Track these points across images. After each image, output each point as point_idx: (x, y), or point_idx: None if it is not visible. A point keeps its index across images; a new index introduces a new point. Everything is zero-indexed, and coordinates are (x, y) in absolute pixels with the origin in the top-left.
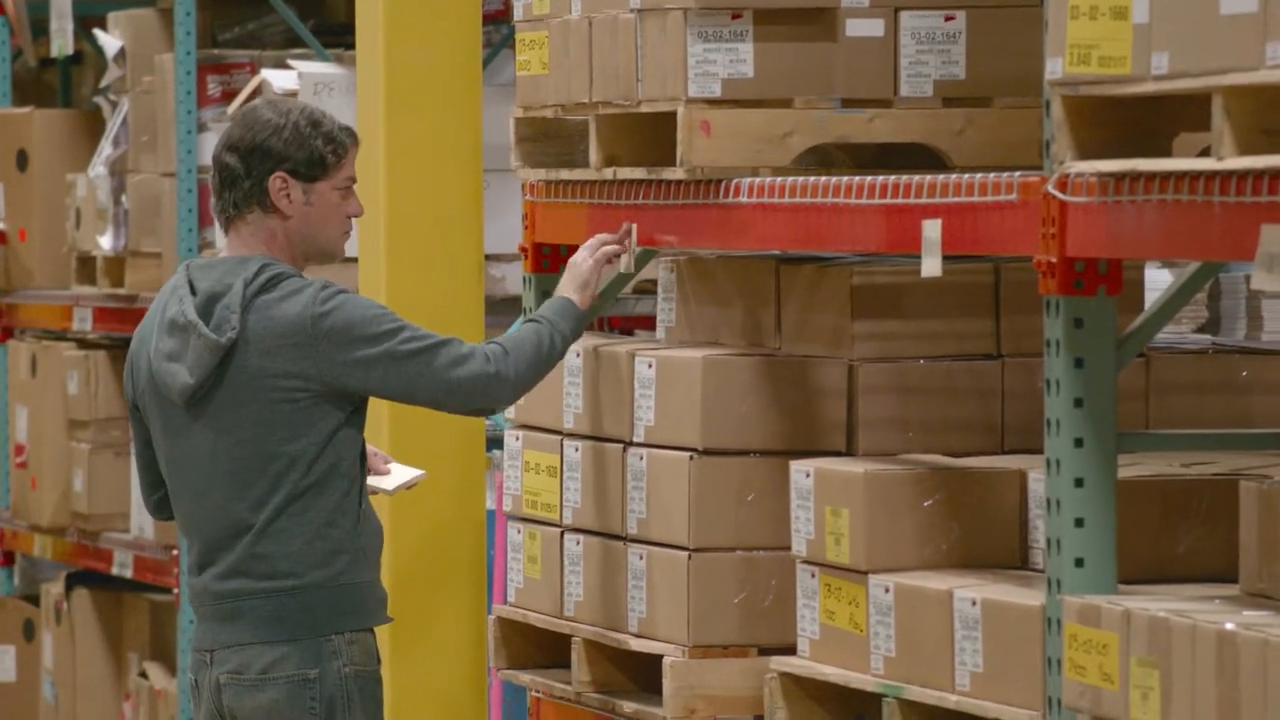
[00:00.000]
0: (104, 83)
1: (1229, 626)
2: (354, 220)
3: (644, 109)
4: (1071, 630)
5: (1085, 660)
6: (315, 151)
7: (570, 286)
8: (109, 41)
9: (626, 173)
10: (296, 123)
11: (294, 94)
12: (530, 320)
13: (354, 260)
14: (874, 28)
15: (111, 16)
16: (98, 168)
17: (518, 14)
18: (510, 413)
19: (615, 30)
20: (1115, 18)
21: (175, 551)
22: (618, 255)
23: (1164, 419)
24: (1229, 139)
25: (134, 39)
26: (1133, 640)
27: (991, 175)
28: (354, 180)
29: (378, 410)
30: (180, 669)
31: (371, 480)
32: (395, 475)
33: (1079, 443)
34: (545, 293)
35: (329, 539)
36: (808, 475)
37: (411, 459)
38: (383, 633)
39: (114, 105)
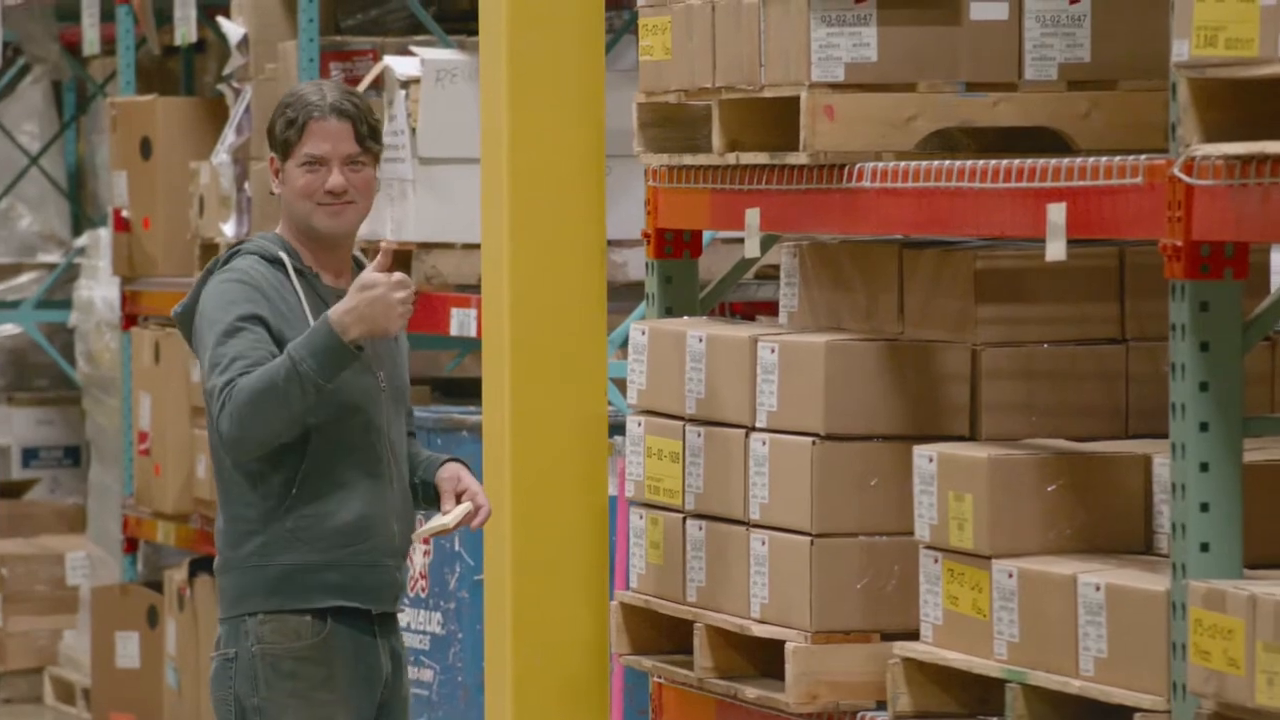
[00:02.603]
0: (227, 70)
1: None
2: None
3: (767, 94)
4: (1196, 615)
5: (1210, 645)
6: (279, 132)
7: (348, 314)
8: (232, 29)
9: (749, 158)
10: (280, 103)
11: (416, 81)
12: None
13: (476, 246)
14: (998, 10)
15: (235, 3)
16: (221, 155)
17: None
18: (632, 398)
19: (738, 15)
20: (1237, 4)
21: None
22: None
23: None
24: None
25: (257, 26)
26: (1259, 625)
27: (1117, 159)
28: (319, 157)
29: (497, 396)
30: None
31: (436, 519)
32: (457, 512)
33: (1204, 427)
34: (668, 278)
35: (244, 520)
36: (931, 460)
37: (533, 444)
38: (504, 619)
39: (237, 93)
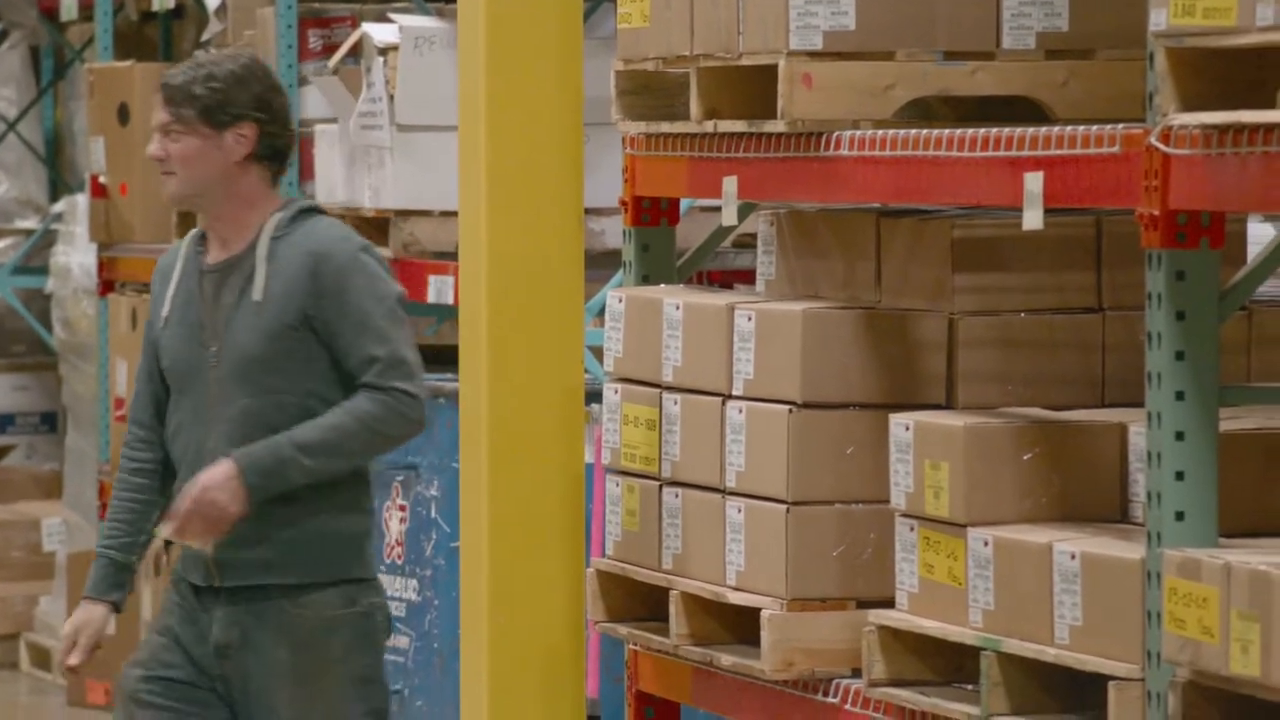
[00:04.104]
0: (205, 36)
1: None
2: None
3: (745, 61)
4: (1171, 584)
5: (1185, 614)
6: None
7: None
8: None
9: (727, 125)
10: None
11: (394, 48)
12: None
13: (454, 214)
14: None
15: None
16: None
17: None
18: (609, 366)
19: None
20: None
21: None
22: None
23: (1266, 372)
24: None
25: None
26: (1233, 593)
27: (1094, 128)
28: (158, 125)
29: (474, 364)
30: None
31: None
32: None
33: (1180, 396)
34: (645, 246)
35: None
36: (907, 428)
37: (509, 412)
38: (480, 586)
39: None
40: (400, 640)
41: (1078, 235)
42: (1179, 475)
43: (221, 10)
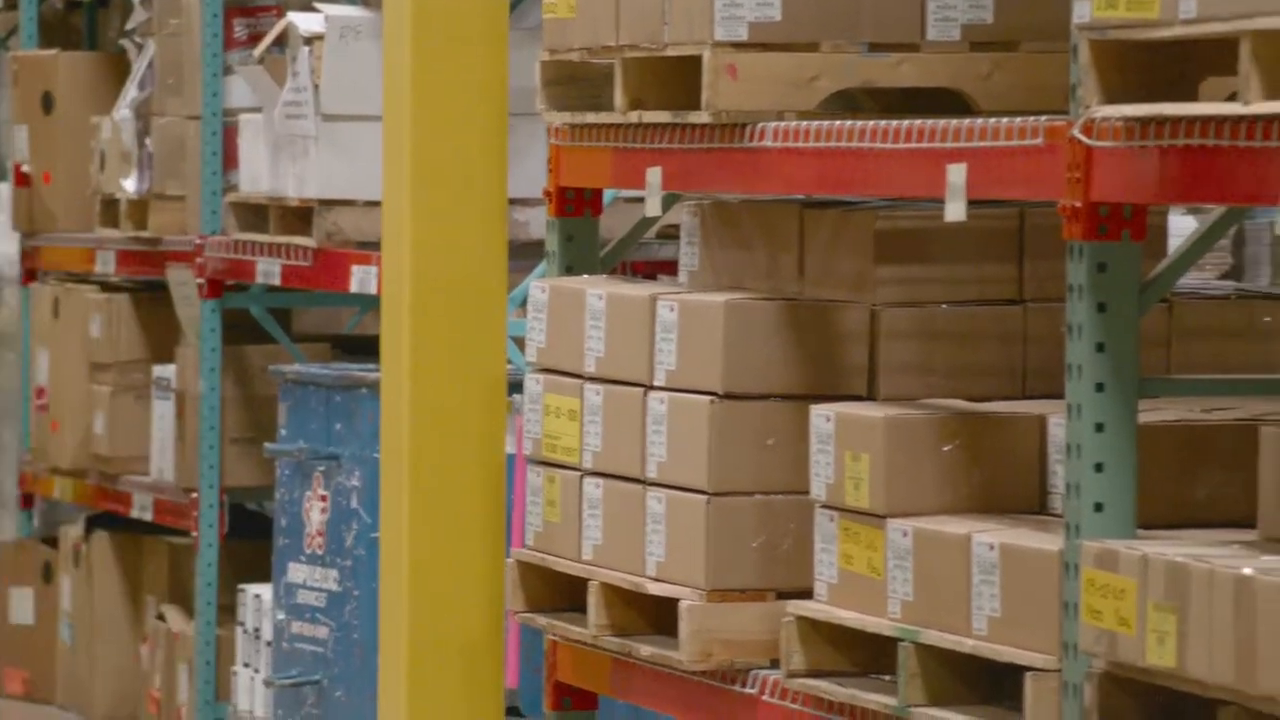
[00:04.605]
0: (130, 25)
1: (1247, 571)
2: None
3: (670, 52)
4: (1089, 575)
5: (1102, 605)
6: None
7: None
8: None
9: (652, 116)
10: None
11: (320, 37)
12: None
13: (378, 204)
14: None
15: None
16: (122, 110)
17: None
18: (532, 356)
19: None
20: None
21: (194, 495)
22: None
23: (1186, 364)
24: (1256, 83)
25: None
26: (1150, 585)
27: (1017, 120)
28: None
29: (395, 354)
30: (198, 611)
31: None
32: None
33: (1100, 387)
34: (569, 237)
35: None
36: (828, 419)
37: (432, 402)
38: (399, 576)
39: (139, 48)
40: (319, 630)
41: (1000, 227)
42: (1098, 467)
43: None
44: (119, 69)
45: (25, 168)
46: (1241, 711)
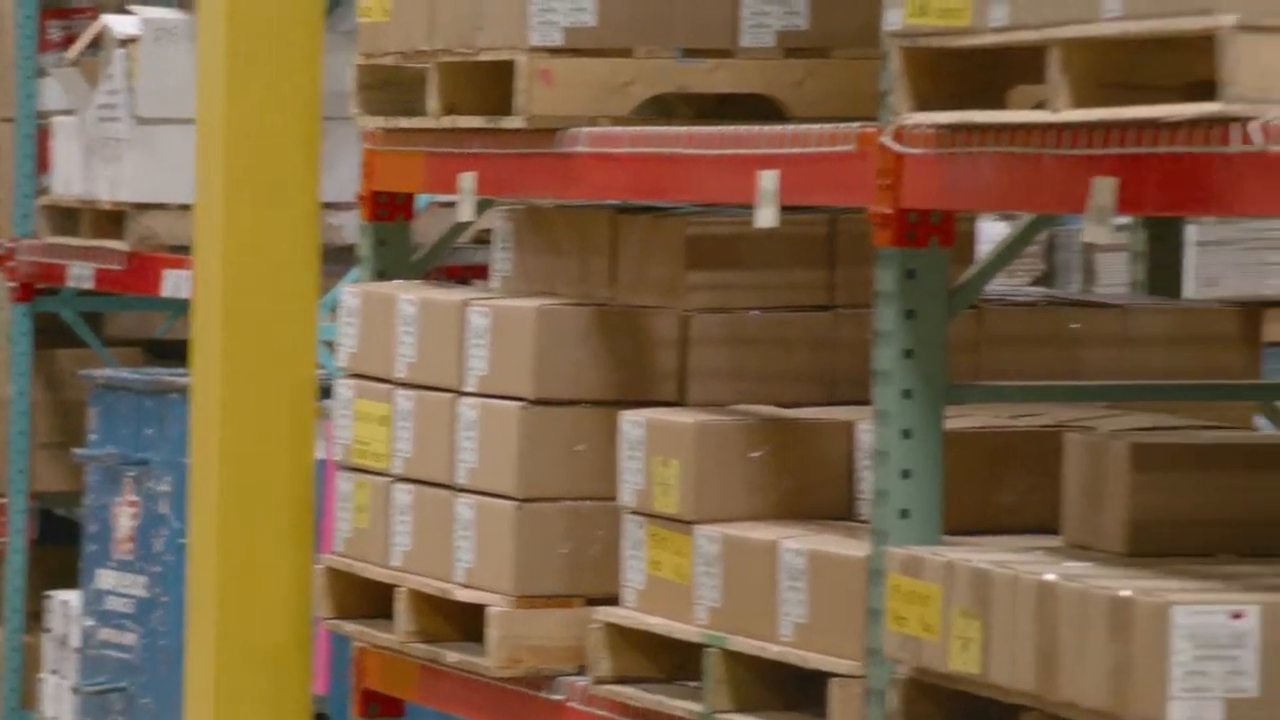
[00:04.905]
0: None
1: (1049, 577)
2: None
3: (484, 57)
4: (894, 581)
5: (907, 611)
6: None
7: None
8: None
9: (465, 121)
10: None
11: (135, 40)
12: None
13: (190, 208)
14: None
15: None
16: None
17: None
18: (343, 361)
19: None
20: None
21: (3, 499)
22: None
23: (994, 371)
24: (1065, 92)
25: None
26: (955, 591)
27: (829, 126)
28: None
29: (207, 359)
30: (5, 618)
31: None
32: None
33: (908, 394)
34: (382, 242)
35: None
36: (638, 425)
37: (242, 407)
38: (207, 582)
39: None
40: (127, 637)
41: (812, 233)
42: (905, 473)
43: None
44: None
45: None
46: (1042, 717)
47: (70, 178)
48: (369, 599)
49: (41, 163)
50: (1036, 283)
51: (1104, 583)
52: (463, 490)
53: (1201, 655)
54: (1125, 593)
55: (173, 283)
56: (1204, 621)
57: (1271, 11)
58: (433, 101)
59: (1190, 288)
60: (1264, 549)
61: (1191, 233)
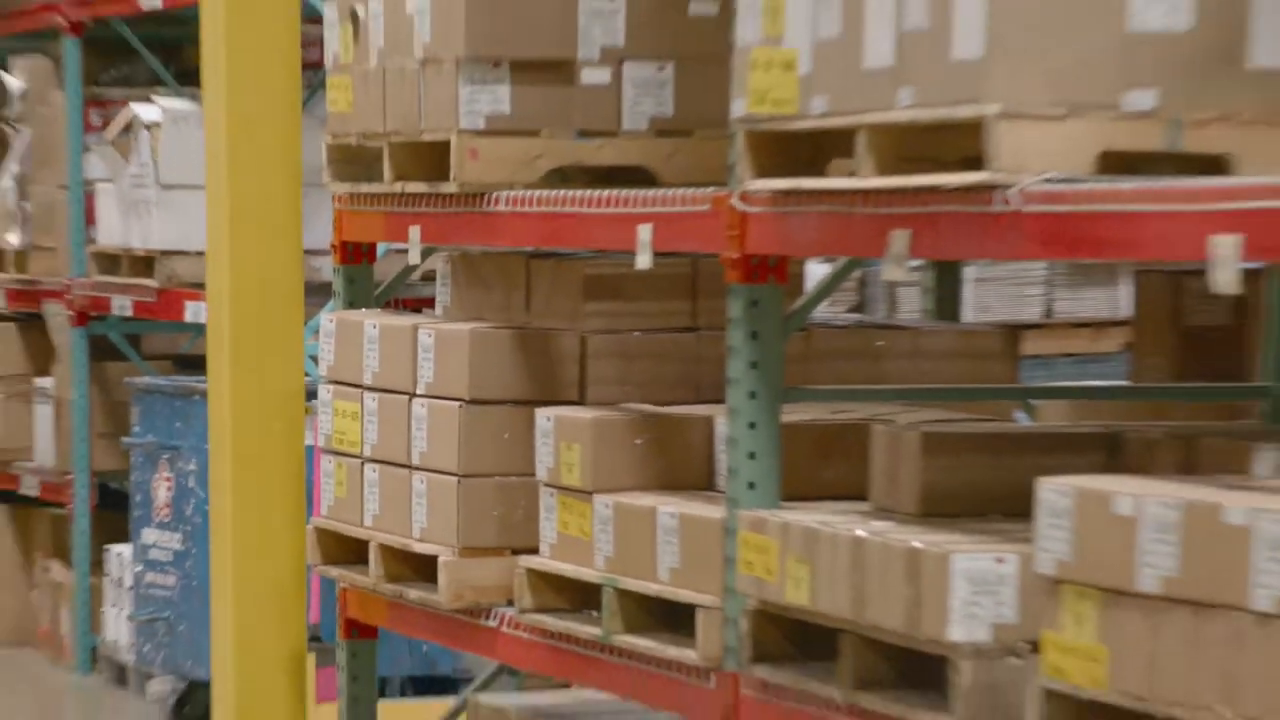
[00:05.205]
0: (8, 113)
1: (860, 533)
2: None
3: (426, 138)
4: (744, 536)
5: (754, 558)
6: None
7: None
8: (13, 82)
9: (413, 187)
10: None
11: (158, 124)
12: None
13: (203, 253)
14: (603, 76)
15: (14, 62)
16: (5, 181)
17: (329, 63)
18: (324, 371)
19: (403, 76)
20: (784, 70)
21: (69, 476)
22: None
23: (820, 378)
24: (870, 164)
25: (32, 79)
26: (789, 544)
27: (691, 191)
28: None
29: (219, 369)
30: (75, 565)
31: None
32: None
33: (753, 395)
34: (351, 280)
35: None
36: (549, 419)
37: (248, 405)
38: (225, 538)
39: (17, 131)
40: (168, 579)
41: (679, 272)
42: (751, 455)
43: (24, 94)
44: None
45: None
46: (855, 638)
47: (112, 230)
48: (348, 550)
49: (89, 219)
50: (851, 310)
51: (901, 537)
52: (416, 469)
53: (974, 591)
54: (917, 544)
55: (193, 310)
56: (976, 566)
57: (1025, 103)
58: (387, 172)
59: (968, 314)
60: (1021, 511)
61: (969, 271)
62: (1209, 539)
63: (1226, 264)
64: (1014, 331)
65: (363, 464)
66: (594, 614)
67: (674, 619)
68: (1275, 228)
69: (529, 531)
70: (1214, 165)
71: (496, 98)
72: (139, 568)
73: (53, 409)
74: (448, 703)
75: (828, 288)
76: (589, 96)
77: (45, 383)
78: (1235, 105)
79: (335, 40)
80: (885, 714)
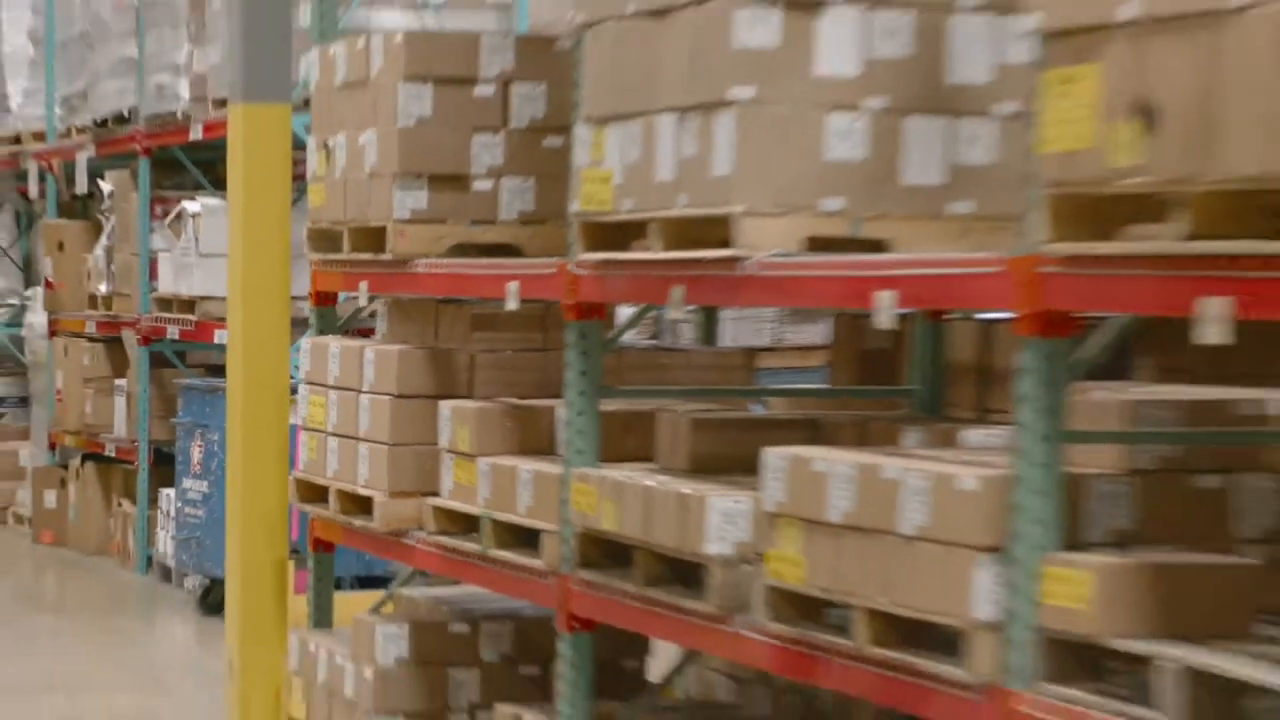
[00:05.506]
0: (103, 207)
1: (649, 483)
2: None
3: (371, 224)
4: (574, 485)
5: (581, 500)
6: None
7: None
8: (106, 186)
9: (362, 256)
10: None
11: (199, 214)
12: None
13: (224, 298)
14: (488, 185)
15: (107, 174)
16: (99, 250)
17: (309, 175)
18: (303, 375)
19: (358, 185)
20: (604, 183)
21: (136, 443)
22: None
23: (626, 382)
24: (658, 243)
25: (118, 185)
26: (604, 490)
27: (544, 260)
28: None
29: (234, 374)
30: (139, 502)
31: None
32: None
33: (583, 393)
34: (321, 316)
35: None
36: (448, 408)
37: (254, 398)
38: (236, 485)
39: (107, 219)
40: (199, 512)
41: (534, 313)
42: (580, 432)
43: (112, 194)
44: (97, 228)
45: (50, 279)
46: (645, 551)
47: (167, 283)
48: (316, 493)
49: (153, 275)
50: (649, 338)
51: (676, 486)
52: (361, 440)
53: (723, 521)
54: (686, 490)
55: (219, 336)
56: (724, 504)
57: (758, 206)
58: (346, 246)
59: (724, 340)
60: (754, 470)
61: (725, 313)
62: (873, 487)
63: (886, 310)
64: (752, 353)
65: (326, 437)
66: (476, 536)
67: (528, 540)
68: (917, 287)
69: (434, 482)
70: (879, 247)
71: (418, 199)
72: (180, 504)
73: (125, 399)
74: (380, 594)
75: (631, 323)
76: (478, 198)
77: (121, 382)
78: (893, 208)
79: (314, 160)
80: (664, 600)
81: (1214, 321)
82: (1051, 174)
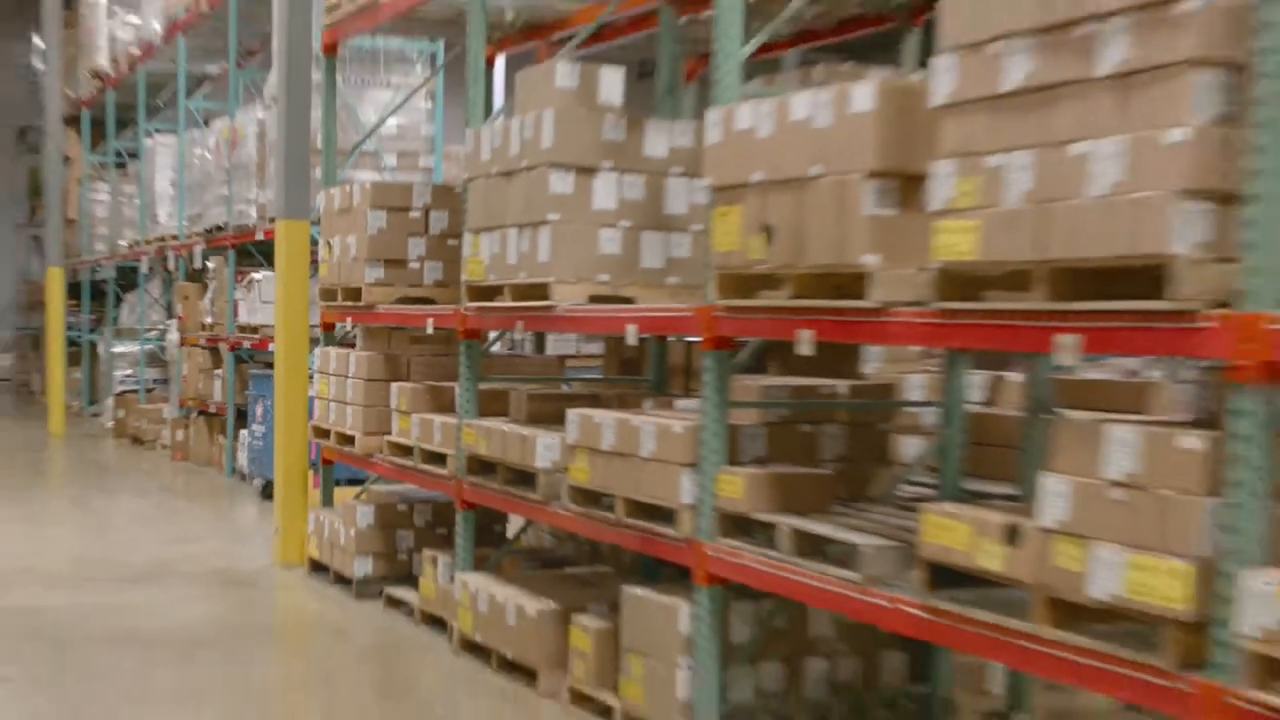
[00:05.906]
0: (208, 276)
1: (505, 429)
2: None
3: (353, 285)
4: (464, 430)
5: (469, 438)
6: None
7: None
8: (210, 265)
9: (348, 303)
10: None
11: (260, 279)
12: None
13: (273, 326)
14: (418, 265)
15: (212, 259)
16: (206, 300)
17: (320, 258)
18: (315, 370)
19: (346, 264)
20: (479, 263)
21: (224, 404)
22: None
23: (494, 372)
24: (509, 297)
25: (217, 264)
26: (480, 432)
27: (448, 305)
28: None
29: (279, 367)
30: (229, 438)
31: None
32: None
33: (468, 380)
34: (327, 336)
35: None
36: (397, 388)
37: (290, 379)
38: (283, 428)
39: (211, 283)
40: (260, 444)
41: (443, 334)
42: (467, 400)
43: (214, 270)
44: (205, 288)
45: (180, 315)
46: (504, 466)
47: (244, 317)
48: (324, 433)
49: (235, 313)
50: (509, 349)
51: (520, 430)
52: (347, 404)
53: (544, 449)
54: (525, 433)
55: (271, 347)
56: (545, 440)
57: (563, 277)
58: (339, 298)
59: (550, 350)
60: (563, 420)
61: (550, 335)
62: (626, 430)
63: (633, 335)
64: (564, 358)
65: (329, 402)
66: (411, 457)
67: (439, 460)
68: (650, 323)
69: (388, 427)
70: (629, 301)
71: (377, 273)
72: (249, 438)
73: (220, 381)
74: (359, 489)
75: (495, 340)
76: (412, 272)
77: (218, 371)
78: (636, 280)
79: (323, 251)
80: (513, 493)
81: (806, 343)
82: (719, 263)
